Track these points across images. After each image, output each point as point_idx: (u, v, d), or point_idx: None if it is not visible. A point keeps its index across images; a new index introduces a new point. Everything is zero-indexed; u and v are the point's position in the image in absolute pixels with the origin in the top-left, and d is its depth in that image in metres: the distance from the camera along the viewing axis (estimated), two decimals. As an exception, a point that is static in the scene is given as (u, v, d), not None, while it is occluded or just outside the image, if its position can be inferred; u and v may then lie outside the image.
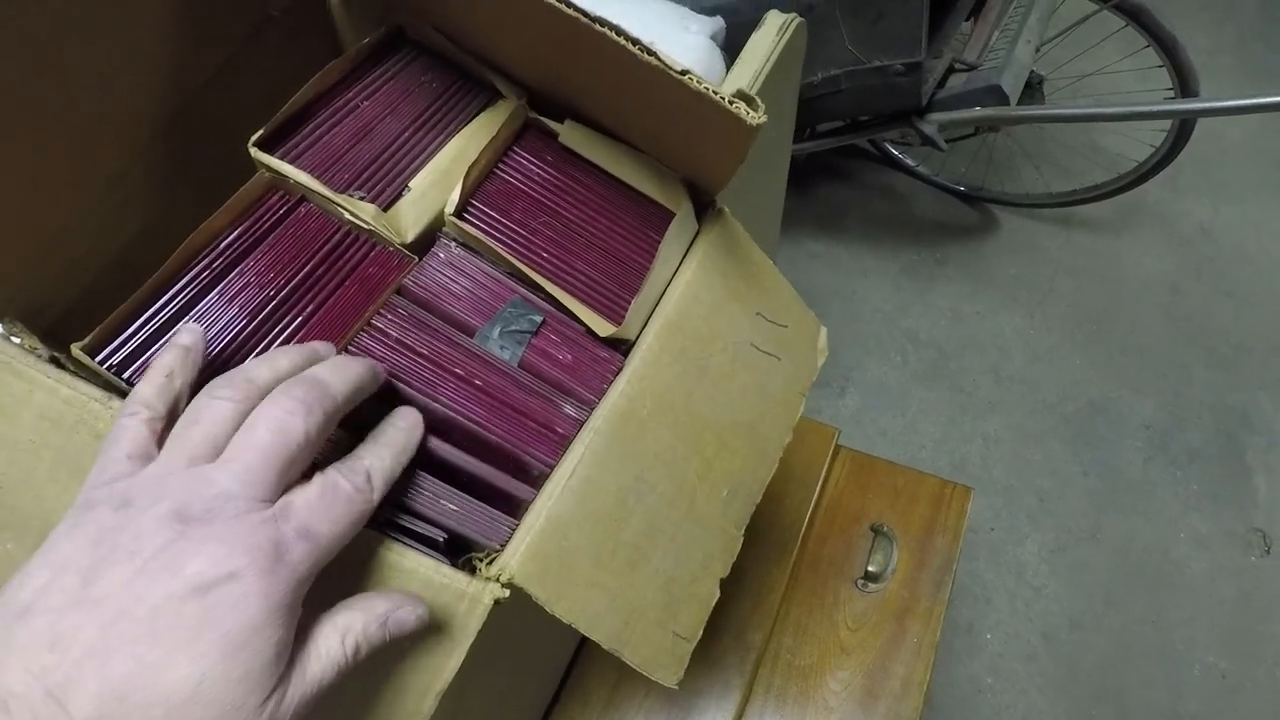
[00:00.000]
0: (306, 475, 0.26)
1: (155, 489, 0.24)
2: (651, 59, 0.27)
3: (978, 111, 1.07)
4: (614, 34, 0.27)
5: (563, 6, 0.27)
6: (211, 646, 0.22)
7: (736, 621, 0.76)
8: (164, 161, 0.33)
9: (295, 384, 0.26)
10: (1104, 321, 1.47)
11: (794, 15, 0.72)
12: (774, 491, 0.87)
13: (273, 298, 0.32)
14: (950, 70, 1.11)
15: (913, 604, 0.80)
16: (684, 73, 0.27)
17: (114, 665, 0.21)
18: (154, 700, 0.21)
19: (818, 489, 0.85)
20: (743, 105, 0.27)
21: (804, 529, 0.82)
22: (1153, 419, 1.37)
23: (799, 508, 0.83)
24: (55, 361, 0.29)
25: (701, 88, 0.27)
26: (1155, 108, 1.09)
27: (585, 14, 0.28)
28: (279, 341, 0.32)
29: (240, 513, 0.24)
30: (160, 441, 0.26)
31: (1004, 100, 1.04)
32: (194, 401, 0.26)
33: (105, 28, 0.28)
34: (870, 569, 0.80)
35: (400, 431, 0.30)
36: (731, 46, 0.73)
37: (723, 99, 0.27)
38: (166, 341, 0.30)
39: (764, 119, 0.27)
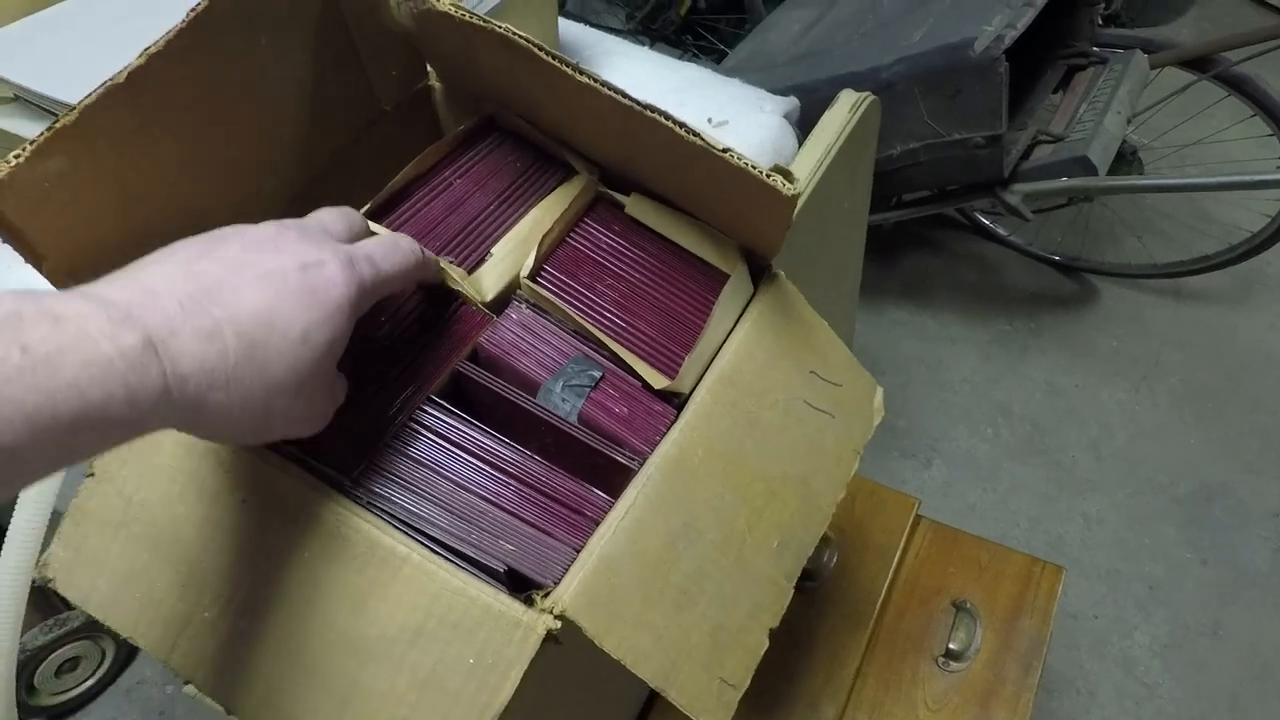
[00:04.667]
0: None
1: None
2: (696, 139, 0.31)
3: (1064, 182, 1.06)
4: (662, 118, 0.31)
5: (620, 98, 0.32)
6: (314, 308, 0.28)
7: (808, 693, 0.75)
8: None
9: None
10: (1219, 399, 1.38)
11: (867, 94, 0.75)
12: (850, 561, 0.86)
13: (376, 347, 0.37)
14: (1036, 141, 1.11)
15: (998, 687, 0.76)
16: (725, 150, 0.31)
17: (245, 295, 0.26)
18: (276, 330, 0.26)
19: (896, 560, 0.82)
20: (779, 178, 0.30)
21: (881, 601, 0.80)
22: (1282, 507, 1.25)
23: (876, 578, 0.81)
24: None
25: (741, 163, 0.30)
26: (1258, 177, 1.04)
27: (639, 103, 0.31)
28: (374, 390, 0.36)
29: (323, 235, 0.30)
30: None
31: (1092, 171, 1.03)
32: None
33: (250, 124, 0.34)
34: (952, 646, 0.77)
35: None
36: (814, 123, 0.77)
37: (760, 172, 0.30)
38: None
39: (798, 190, 0.30)
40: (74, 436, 0.22)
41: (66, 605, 1.10)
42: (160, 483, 0.35)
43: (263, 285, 0.27)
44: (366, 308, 0.31)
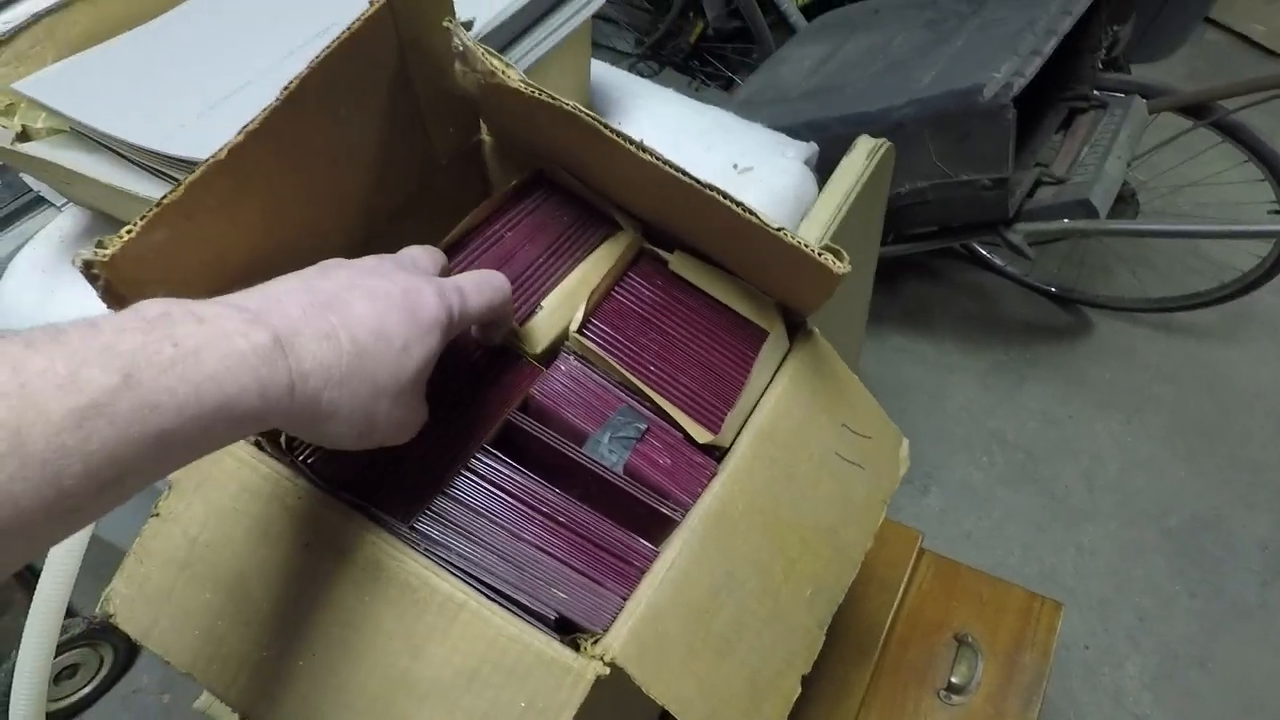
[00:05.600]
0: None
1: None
2: (752, 217, 0.33)
3: (1066, 224, 1.09)
4: (721, 197, 0.33)
5: (681, 175, 0.33)
6: (414, 324, 0.30)
7: (813, 723, 0.76)
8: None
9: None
10: (1210, 432, 1.41)
11: (883, 141, 0.78)
12: (854, 593, 0.88)
13: (430, 401, 0.38)
14: (1039, 182, 1.14)
15: (998, 721, 0.78)
16: (780, 229, 0.32)
17: (357, 307, 0.29)
18: (383, 339, 0.29)
19: (900, 593, 0.84)
20: (830, 257, 0.32)
21: (885, 633, 0.81)
22: (1270, 539, 1.28)
23: (880, 611, 0.83)
24: (257, 444, 0.36)
25: (795, 242, 0.32)
26: (1252, 228, 1.08)
27: (699, 181, 0.33)
28: (431, 439, 0.38)
29: (413, 267, 0.34)
30: None
31: (1094, 214, 1.06)
32: None
33: (325, 185, 0.36)
34: (954, 680, 0.78)
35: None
36: (825, 159, 0.80)
37: (814, 252, 0.32)
38: None
39: (849, 269, 0.32)
40: (213, 424, 0.24)
41: (67, 612, 1.11)
42: (225, 525, 0.36)
43: (371, 300, 0.30)
44: (453, 335, 0.34)
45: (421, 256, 0.36)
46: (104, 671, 1.16)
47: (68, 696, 1.14)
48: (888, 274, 1.66)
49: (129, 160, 0.52)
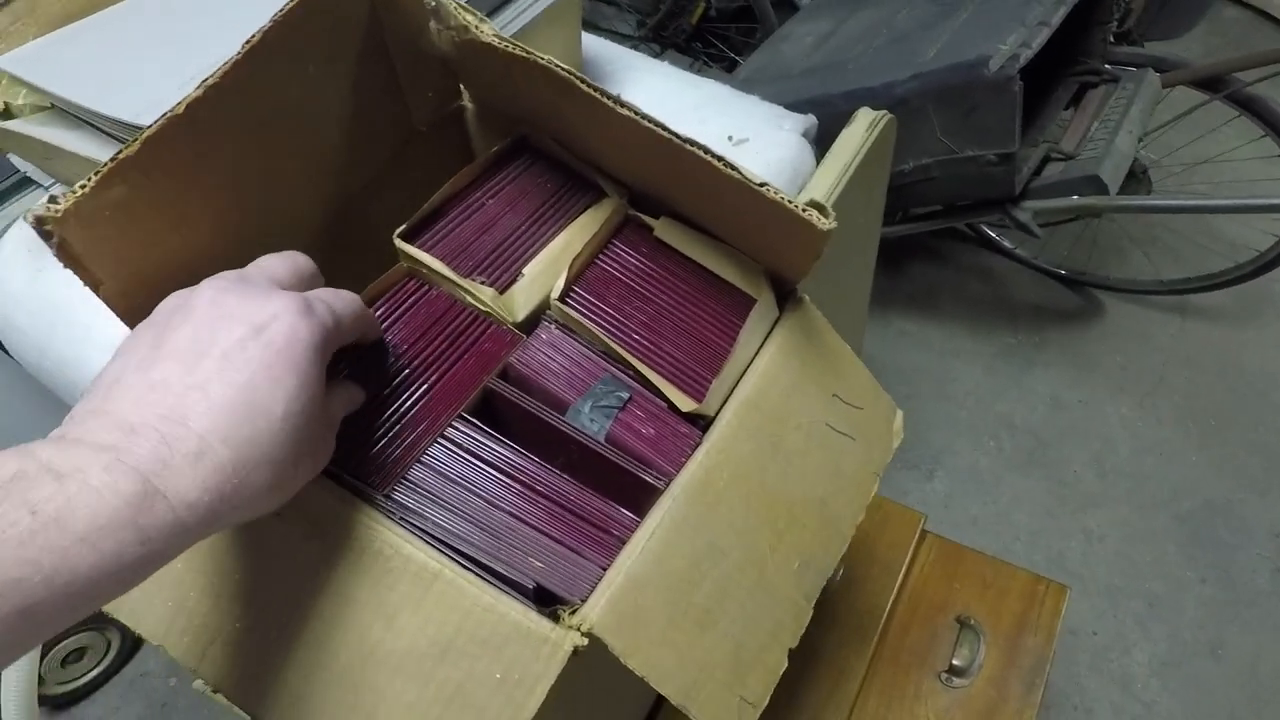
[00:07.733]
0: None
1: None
2: (734, 173, 0.32)
3: (1075, 200, 1.07)
4: (702, 152, 0.32)
5: (660, 130, 0.32)
6: (282, 374, 0.27)
7: (812, 706, 0.75)
8: (327, 250, 0.40)
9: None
10: (1224, 417, 1.39)
11: (884, 113, 0.76)
12: (855, 574, 0.87)
13: (403, 368, 0.38)
14: (1047, 159, 1.12)
15: (1001, 705, 0.77)
16: (762, 184, 0.31)
17: (214, 395, 0.25)
18: (258, 415, 0.26)
19: (901, 575, 0.83)
20: (815, 213, 0.31)
21: (885, 616, 0.80)
22: (1284, 526, 1.26)
23: (880, 593, 0.82)
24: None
25: (778, 198, 0.31)
26: (1271, 201, 1.05)
27: (678, 135, 0.32)
28: (406, 406, 0.37)
29: (269, 285, 0.30)
30: None
31: (1103, 190, 1.03)
32: None
33: (293, 148, 0.35)
34: (955, 662, 0.77)
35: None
36: (828, 136, 0.78)
37: (797, 208, 0.31)
38: None
39: (834, 225, 0.31)
40: (93, 586, 0.22)
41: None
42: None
43: (226, 374, 0.26)
44: (334, 348, 0.31)
45: (277, 267, 0.32)
46: (111, 655, 1.17)
47: (74, 680, 1.14)
48: (893, 257, 1.64)
49: (111, 135, 0.52)
